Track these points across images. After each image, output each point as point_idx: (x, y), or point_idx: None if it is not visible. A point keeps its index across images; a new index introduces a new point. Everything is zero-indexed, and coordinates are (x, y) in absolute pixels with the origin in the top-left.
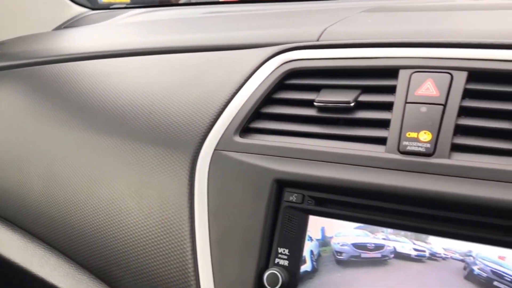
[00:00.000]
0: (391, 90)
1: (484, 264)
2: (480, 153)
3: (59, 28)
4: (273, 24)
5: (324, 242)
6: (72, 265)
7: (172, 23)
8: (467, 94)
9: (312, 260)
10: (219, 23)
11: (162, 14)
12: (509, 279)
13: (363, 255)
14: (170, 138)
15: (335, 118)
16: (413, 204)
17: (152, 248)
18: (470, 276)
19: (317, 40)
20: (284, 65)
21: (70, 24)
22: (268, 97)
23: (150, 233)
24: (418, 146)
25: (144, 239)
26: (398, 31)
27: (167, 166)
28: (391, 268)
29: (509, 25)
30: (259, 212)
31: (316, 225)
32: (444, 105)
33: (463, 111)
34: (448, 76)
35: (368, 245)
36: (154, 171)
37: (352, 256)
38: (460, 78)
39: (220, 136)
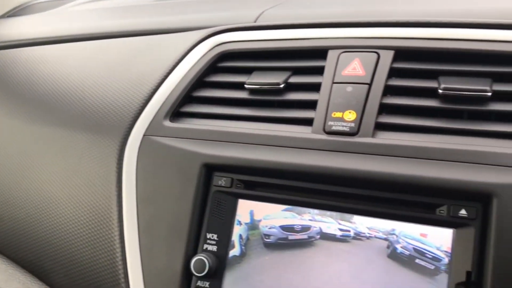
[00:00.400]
0: (320, 71)
1: (407, 242)
2: (404, 131)
3: (2, 17)
4: (211, 8)
5: (252, 226)
6: (4, 259)
7: (114, 10)
8: (394, 73)
9: (240, 244)
10: (159, 9)
11: (108, 3)
12: (430, 256)
13: (290, 237)
14: (99, 124)
15: (265, 100)
16: (338, 184)
17: (80, 237)
18: (393, 254)
19: (254, 23)
20: (216, 47)
21: (14, 13)
22: (200, 80)
23: (78, 222)
24: (343, 126)
25: (72, 229)
26: (330, 13)
27: (95, 152)
28: (317, 249)
29: (434, 4)
30: (187, 198)
31: (245, 209)
32: (370, 84)
33: (389, 90)
34: (375, 55)
35: (295, 227)
36: (83, 158)
37: (279, 239)
38: (387, 57)
39: (149, 121)
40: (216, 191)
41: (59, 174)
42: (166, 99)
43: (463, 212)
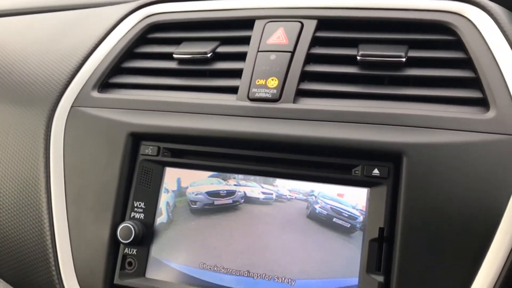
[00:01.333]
0: (247, 40)
1: (325, 203)
2: (325, 97)
3: None
4: None
5: (179, 193)
6: None
7: None
8: (317, 41)
9: (168, 212)
10: None
11: None
12: (347, 215)
13: (216, 202)
14: (26, 97)
15: (194, 70)
16: (261, 149)
17: (8, 210)
18: (312, 214)
19: None
20: (146, 19)
21: None
22: (130, 51)
23: (4, 195)
24: (266, 92)
25: (0, 204)
26: None
27: (22, 126)
28: (241, 213)
29: None
30: (114, 167)
31: (172, 177)
32: (293, 52)
33: (311, 58)
34: (299, 24)
35: (220, 192)
36: (10, 133)
37: (205, 204)
38: (310, 27)
39: (77, 92)
40: (143, 159)
41: None
42: (95, 70)
43: (376, 171)
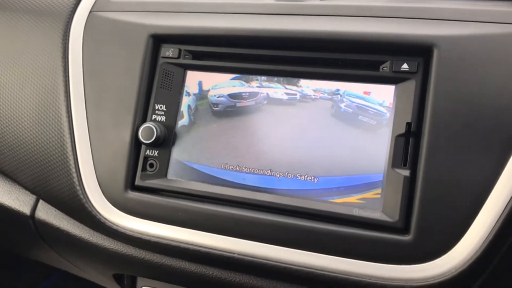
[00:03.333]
0: None
1: (350, 101)
2: None
3: None
4: None
5: (201, 96)
6: None
7: None
8: None
9: (189, 114)
10: None
11: None
12: (373, 112)
13: (238, 105)
14: (44, 4)
15: None
16: (286, 48)
17: (27, 116)
18: (337, 113)
19: None
20: None
21: None
22: None
23: (24, 101)
24: None
25: (19, 108)
26: None
27: (41, 32)
28: (264, 114)
29: None
30: (135, 70)
31: (194, 80)
32: None
33: None
34: None
35: (243, 94)
36: (29, 39)
37: (227, 107)
38: None
39: None
40: (163, 62)
41: (5, 57)
42: None
43: (405, 66)
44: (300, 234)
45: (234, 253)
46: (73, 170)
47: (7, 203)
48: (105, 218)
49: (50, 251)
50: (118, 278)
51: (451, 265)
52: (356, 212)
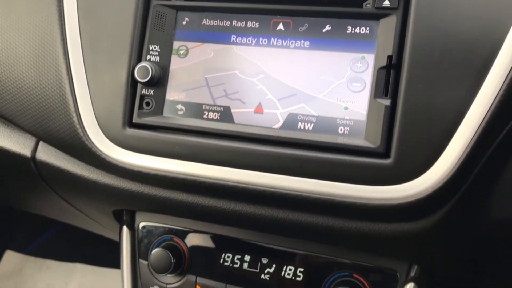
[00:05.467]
0: None
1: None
2: None
3: None
4: None
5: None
6: None
7: None
8: None
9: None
10: None
11: None
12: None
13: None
14: None
15: None
16: None
17: (24, 60)
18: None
19: None
20: None
21: None
22: None
23: (22, 47)
24: None
25: (17, 54)
26: None
27: None
28: (257, 52)
29: None
30: (129, 11)
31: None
32: None
33: None
34: None
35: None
36: None
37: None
38: None
39: None
40: (156, 4)
41: None
42: None
43: (386, 2)
44: (289, 162)
45: (228, 181)
46: (73, 110)
47: (7, 147)
48: (105, 154)
49: (51, 194)
50: (117, 215)
51: (428, 184)
52: (341, 140)
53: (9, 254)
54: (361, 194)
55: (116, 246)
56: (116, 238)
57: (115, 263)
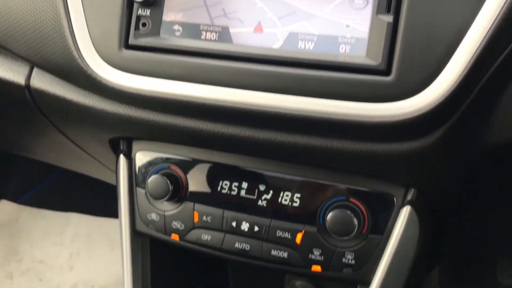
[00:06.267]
0: None
1: None
2: None
3: None
4: None
5: None
6: None
7: None
8: None
9: None
10: None
11: None
12: None
13: None
14: None
15: None
16: None
17: None
18: None
19: None
20: None
21: None
22: None
23: None
24: None
25: None
26: None
27: None
28: None
29: None
30: None
31: None
32: None
33: None
34: None
35: None
36: None
37: None
38: None
39: None
40: None
41: None
42: None
43: None
44: (289, 81)
45: (227, 102)
46: (67, 32)
47: (1, 75)
48: (101, 77)
49: (47, 128)
50: (114, 146)
51: (428, 101)
52: (342, 58)
53: (4, 204)
54: (362, 112)
55: (111, 196)
56: (113, 178)
57: (111, 213)
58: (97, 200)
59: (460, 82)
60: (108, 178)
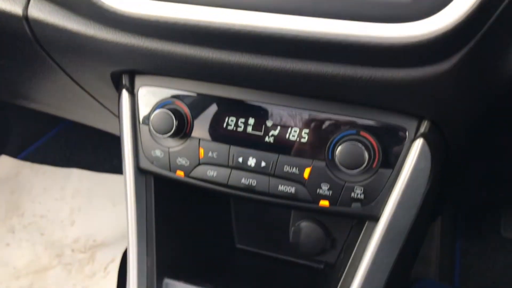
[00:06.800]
0: None
1: None
2: None
3: None
4: None
5: None
6: None
7: None
8: None
9: None
10: None
11: None
12: None
13: None
14: None
15: None
16: None
17: None
18: None
19: None
20: None
21: None
22: None
23: None
24: None
25: None
26: None
27: None
28: None
29: None
30: None
31: None
32: None
33: None
34: None
35: None
36: None
37: None
38: None
39: None
40: None
41: None
42: None
43: None
44: (302, 1)
45: (234, 24)
46: None
47: None
48: (102, 1)
49: (46, 66)
50: (116, 81)
51: (447, 21)
52: None
53: (5, 159)
54: (378, 32)
55: (113, 152)
56: (116, 126)
57: (112, 169)
58: (98, 156)
59: (480, 2)
60: (110, 126)
